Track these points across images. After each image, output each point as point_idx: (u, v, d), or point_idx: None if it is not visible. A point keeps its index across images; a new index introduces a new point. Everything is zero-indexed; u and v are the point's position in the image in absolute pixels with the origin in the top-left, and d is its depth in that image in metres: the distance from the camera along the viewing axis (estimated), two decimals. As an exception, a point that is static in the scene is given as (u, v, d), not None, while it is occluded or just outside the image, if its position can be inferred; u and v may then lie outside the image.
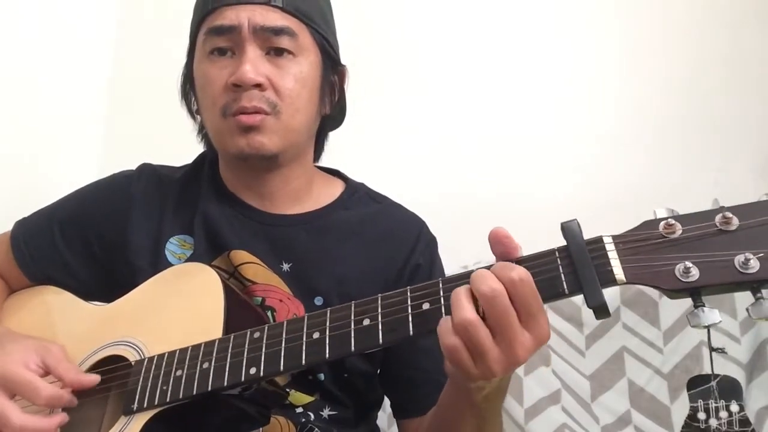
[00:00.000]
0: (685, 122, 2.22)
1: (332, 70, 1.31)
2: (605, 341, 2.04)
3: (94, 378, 1.07)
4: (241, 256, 1.24)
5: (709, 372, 1.84)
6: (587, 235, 0.83)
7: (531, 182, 2.30)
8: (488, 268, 0.83)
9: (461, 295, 0.82)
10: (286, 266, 1.25)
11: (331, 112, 1.33)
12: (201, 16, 1.23)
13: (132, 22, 2.62)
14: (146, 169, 1.38)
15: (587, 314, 2.06)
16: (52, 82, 2.27)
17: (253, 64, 1.16)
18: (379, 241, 1.31)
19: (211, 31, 1.20)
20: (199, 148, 1.41)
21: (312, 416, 1.21)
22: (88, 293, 1.30)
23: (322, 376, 1.21)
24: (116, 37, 2.61)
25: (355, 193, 1.39)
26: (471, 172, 2.34)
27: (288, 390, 1.18)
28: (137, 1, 2.66)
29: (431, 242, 1.38)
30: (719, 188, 2.07)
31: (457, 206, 2.22)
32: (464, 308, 0.80)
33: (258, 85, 1.17)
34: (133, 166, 1.40)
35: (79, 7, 2.42)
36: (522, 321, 0.80)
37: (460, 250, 1.80)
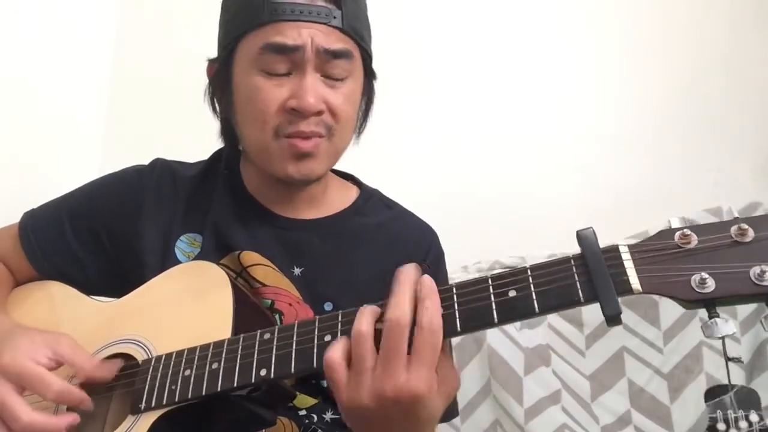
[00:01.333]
0: (685, 122, 2.24)
1: (368, 84, 1.30)
2: (605, 341, 2.05)
3: (114, 366, 1.05)
4: (251, 257, 1.23)
5: (710, 372, 1.86)
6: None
7: (531, 182, 2.31)
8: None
9: (367, 310, 0.85)
10: (297, 270, 1.25)
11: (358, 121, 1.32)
12: (252, 25, 1.17)
13: (132, 22, 2.62)
14: (159, 164, 1.37)
15: (587, 314, 2.07)
16: (52, 82, 2.27)
17: (315, 91, 1.14)
18: (390, 249, 1.30)
19: (271, 48, 1.15)
20: (200, 147, 1.40)
21: (315, 418, 1.20)
22: (95, 287, 1.30)
23: (325, 382, 1.20)
24: (116, 37, 2.61)
25: (370, 199, 1.39)
26: (471, 172, 2.35)
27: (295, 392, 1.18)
28: (137, 1, 2.66)
29: (439, 256, 1.38)
30: (719, 188, 2.08)
31: (457, 206, 2.23)
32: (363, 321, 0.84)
33: (318, 112, 1.16)
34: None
35: (79, 7, 2.42)
36: (409, 361, 0.82)
37: (459, 250, 1.80)
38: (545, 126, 2.36)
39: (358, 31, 1.20)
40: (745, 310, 1.91)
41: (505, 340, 2.02)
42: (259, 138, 1.19)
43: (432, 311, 0.82)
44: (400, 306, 0.82)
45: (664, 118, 2.26)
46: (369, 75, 1.29)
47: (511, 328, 2.03)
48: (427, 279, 0.85)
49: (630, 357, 2.01)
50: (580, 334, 2.07)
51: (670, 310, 1.99)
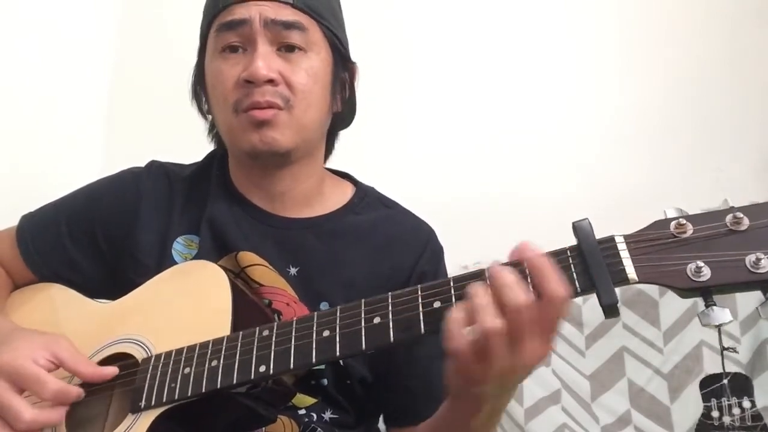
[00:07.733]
0: (685, 122, 2.25)
1: (343, 66, 1.30)
2: (605, 341, 2.05)
3: (112, 370, 1.05)
4: (249, 257, 1.23)
5: (710, 371, 1.85)
6: (592, 234, 0.84)
7: (532, 182, 2.31)
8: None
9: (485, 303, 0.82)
10: (293, 270, 1.24)
11: (342, 110, 1.32)
12: (212, 15, 1.23)
13: (132, 22, 2.63)
14: (155, 167, 1.37)
15: (587, 314, 2.07)
16: (52, 83, 2.28)
17: (265, 60, 1.16)
18: (387, 247, 1.29)
19: (222, 27, 1.19)
20: (200, 148, 1.40)
21: (315, 417, 1.20)
22: (93, 290, 1.29)
23: (325, 381, 1.20)
24: (117, 38, 2.61)
25: (366, 197, 1.37)
26: (471, 172, 2.35)
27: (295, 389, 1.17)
28: (138, 1, 2.66)
29: (438, 251, 1.36)
30: (719, 188, 2.08)
31: (457, 206, 2.23)
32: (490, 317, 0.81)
33: (270, 81, 1.16)
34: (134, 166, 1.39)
35: (79, 9, 2.42)
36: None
37: (459, 250, 1.79)
38: (546, 126, 2.37)
39: (313, 8, 1.22)
40: (745, 310, 1.90)
41: (505, 340, 2.01)
42: (225, 118, 1.22)
43: (559, 283, 0.82)
44: (518, 293, 0.81)
45: (665, 118, 2.26)
46: (341, 57, 1.29)
47: (511, 327, 2.03)
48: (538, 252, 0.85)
49: (630, 357, 2.01)
50: (580, 334, 2.07)
51: (670, 310, 1.99)
